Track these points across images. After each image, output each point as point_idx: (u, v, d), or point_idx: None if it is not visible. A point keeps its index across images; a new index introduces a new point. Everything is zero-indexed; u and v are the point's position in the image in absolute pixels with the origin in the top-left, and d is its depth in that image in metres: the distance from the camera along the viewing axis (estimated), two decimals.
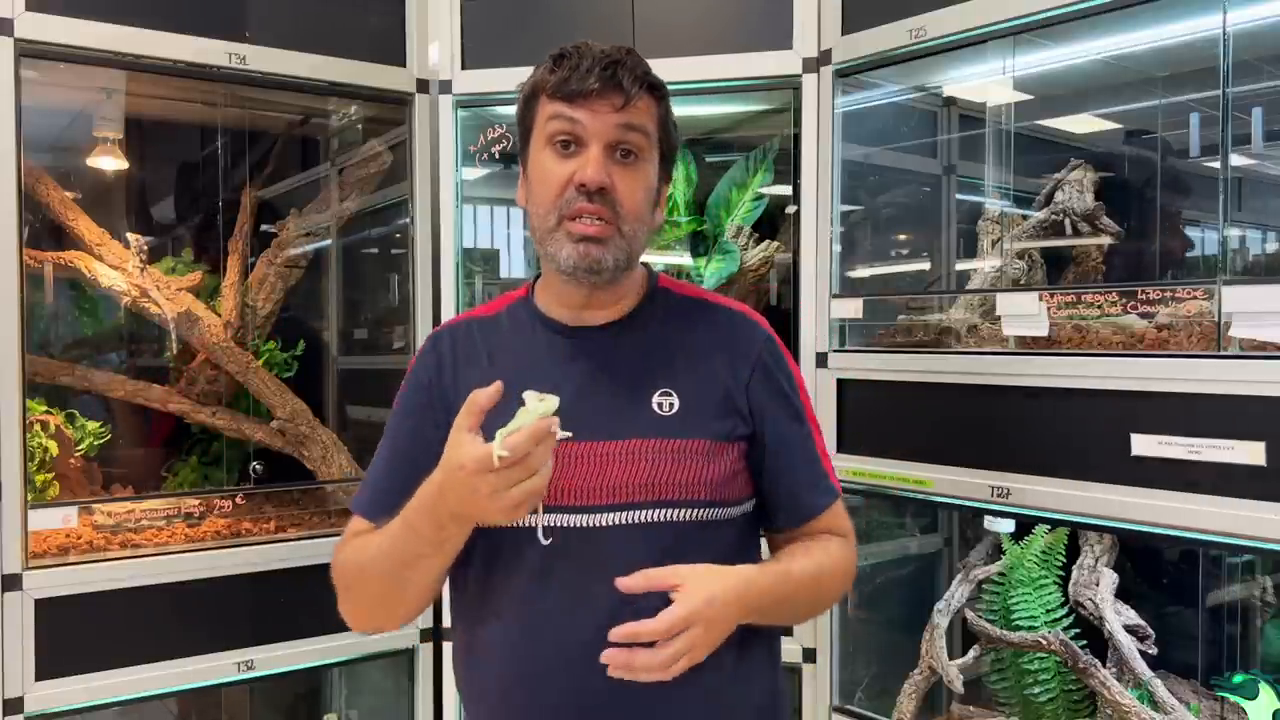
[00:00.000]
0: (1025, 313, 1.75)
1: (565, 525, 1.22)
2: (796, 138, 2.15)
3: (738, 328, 1.34)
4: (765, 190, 2.37)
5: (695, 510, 1.23)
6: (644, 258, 1.36)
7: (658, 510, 1.22)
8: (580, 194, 1.22)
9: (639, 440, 1.23)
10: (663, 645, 1.11)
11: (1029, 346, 1.77)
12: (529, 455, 1.05)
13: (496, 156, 2.41)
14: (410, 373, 1.38)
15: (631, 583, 1.12)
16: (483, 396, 1.09)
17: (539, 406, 1.07)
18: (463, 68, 2.37)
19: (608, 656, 1.11)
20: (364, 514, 1.33)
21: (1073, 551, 1.83)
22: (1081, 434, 1.64)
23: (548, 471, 1.08)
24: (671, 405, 1.26)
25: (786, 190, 2.29)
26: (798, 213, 2.16)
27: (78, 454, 2.28)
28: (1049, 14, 1.70)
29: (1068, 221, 1.92)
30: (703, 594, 1.12)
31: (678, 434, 1.24)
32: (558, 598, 1.22)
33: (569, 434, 1.11)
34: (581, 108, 1.22)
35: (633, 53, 1.26)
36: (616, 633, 1.09)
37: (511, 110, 2.40)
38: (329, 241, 2.76)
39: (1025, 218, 2.00)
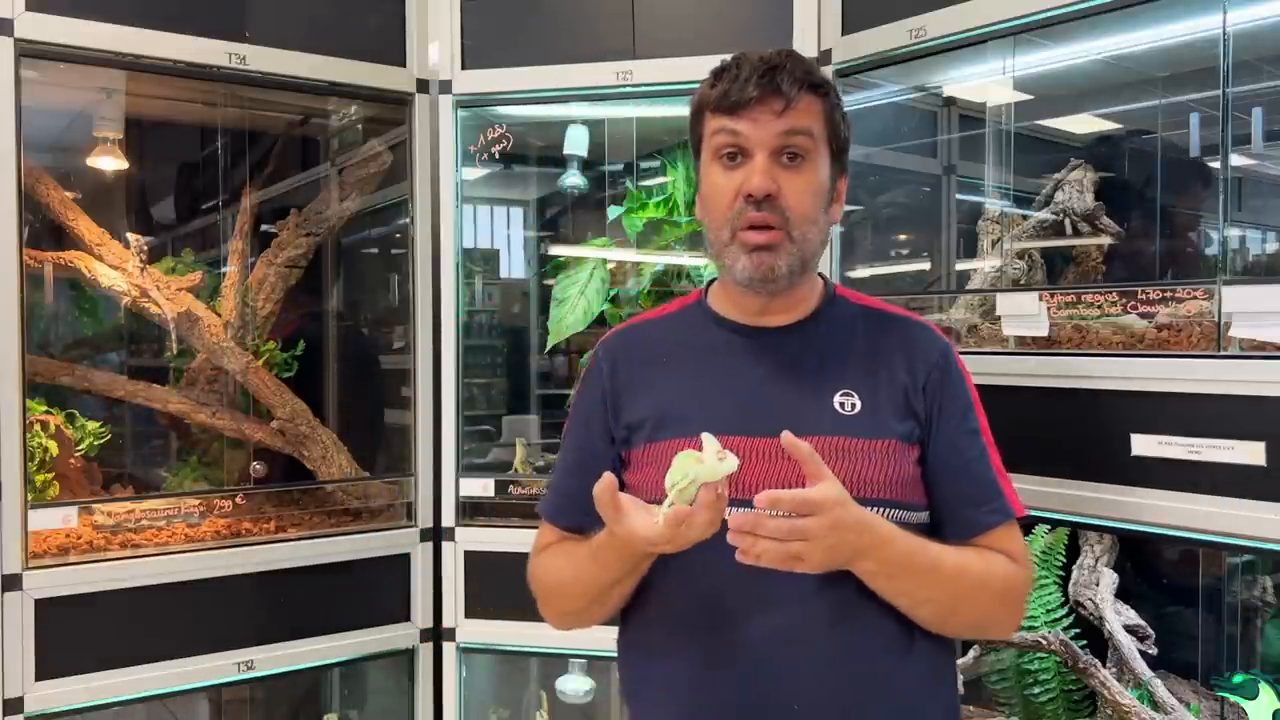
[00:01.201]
0: (1025, 313, 1.75)
1: None
2: None
3: (918, 333, 1.33)
4: None
5: (883, 509, 1.20)
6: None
7: None
8: (749, 204, 1.23)
9: (824, 438, 1.21)
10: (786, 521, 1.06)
11: (1029, 346, 1.77)
12: (694, 518, 1.07)
13: (496, 156, 2.41)
14: (582, 379, 1.41)
15: (795, 444, 1.08)
16: (602, 492, 1.10)
17: (718, 467, 1.05)
18: (463, 68, 2.37)
19: (734, 521, 1.05)
20: (550, 520, 1.37)
21: (1073, 551, 1.83)
22: (1081, 434, 1.64)
23: (720, 512, 1.09)
24: (854, 405, 1.25)
25: None
26: None
27: (78, 454, 2.28)
28: (1049, 14, 1.70)
29: (1068, 221, 1.92)
30: (837, 491, 1.08)
31: (862, 433, 1.23)
32: (739, 596, 1.21)
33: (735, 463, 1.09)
34: (743, 118, 1.22)
35: (793, 55, 1.25)
36: (761, 498, 1.04)
37: (512, 110, 2.44)
38: (329, 241, 2.76)
39: (1025, 218, 2.00)
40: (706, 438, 1.07)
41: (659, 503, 1.10)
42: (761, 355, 1.30)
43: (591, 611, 1.33)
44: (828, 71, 2.08)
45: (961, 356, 1.35)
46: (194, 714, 2.50)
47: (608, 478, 1.10)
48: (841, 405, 1.25)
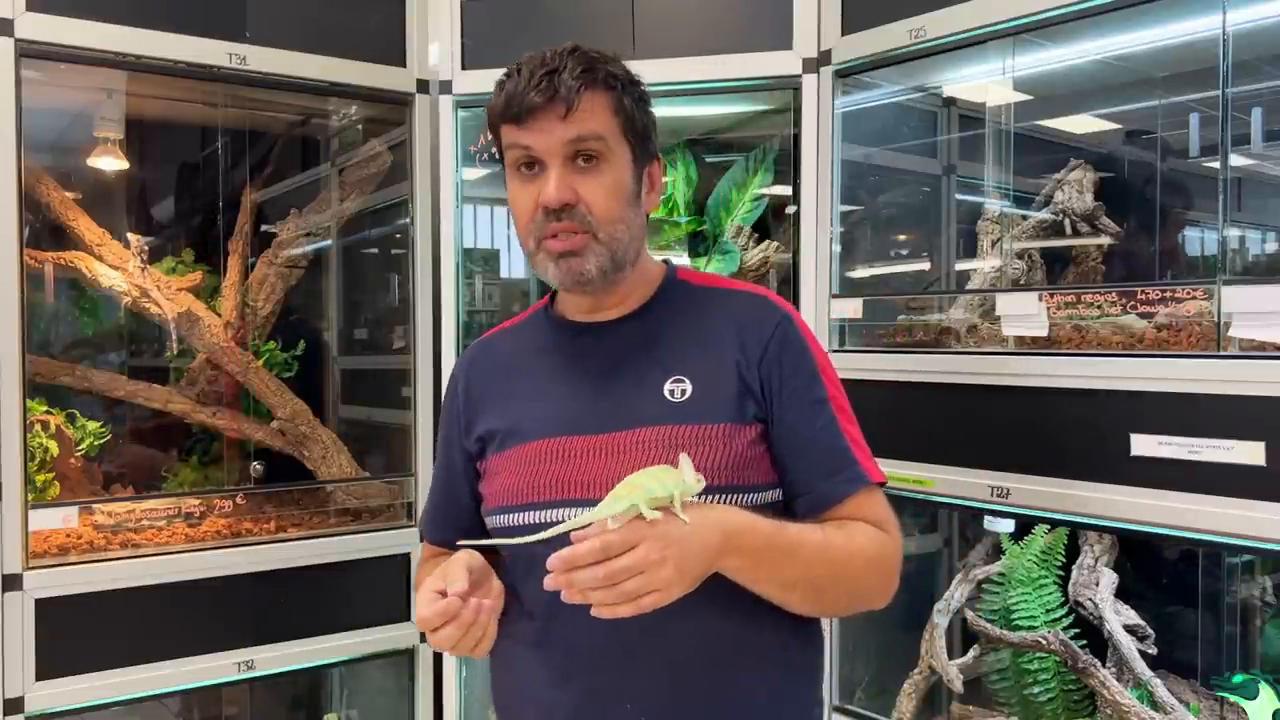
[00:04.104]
0: (1025, 313, 1.75)
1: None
2: (796, 138, 2.15)
3: (752, 307, 1.30)
4: (765, 190, 2.37)
5: (725, 496, 1.18)
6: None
7: None
8: (549, 216, 1.21)
9: (651, 428, 1.20)
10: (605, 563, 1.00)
11: (1029, 346, 1.77)
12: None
13: (497, 156, 2.40)
14: (444, 397, 1.45)
15: (568, 557, 1.01)
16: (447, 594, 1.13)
17: (695, 486, 1.06)
18: (463, 68, 2.37)
19: (551, 564, 1.00)
20: (425, 537, 1.41)
21: (1073, 551, 1.83)
22: (1081, 434, 1.64)
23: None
24: (684, 391, 1.23)
25: (787, 190, 2.30)
26: (798, 213, 2.16)
27: (78, 454, 2.28)
28: (1049, 14, 1.70)
29: (1067, 221, 1.92)
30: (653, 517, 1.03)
31: (691, 419, 1.21)
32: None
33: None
34: (529, 128, 1.20)
35: (577, 52, 1.22)
36: (553, 560, 1.00)
37: None
38: (329, 241, 2.76)
39: (1025, 218, 2.00)
40: (684, 458, 1.07)
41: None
42: (596, 352, 1.30)
43: None
44: (827, 72, 2.08)
45: (804, 322, 1.31)
46: (194, 714, 2.50)
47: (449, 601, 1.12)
48: (671, 393, 1.23)
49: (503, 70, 1.25)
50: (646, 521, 1.02)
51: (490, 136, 1.32)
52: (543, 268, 1.25)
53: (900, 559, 1.25)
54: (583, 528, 1.03)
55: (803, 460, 1.23)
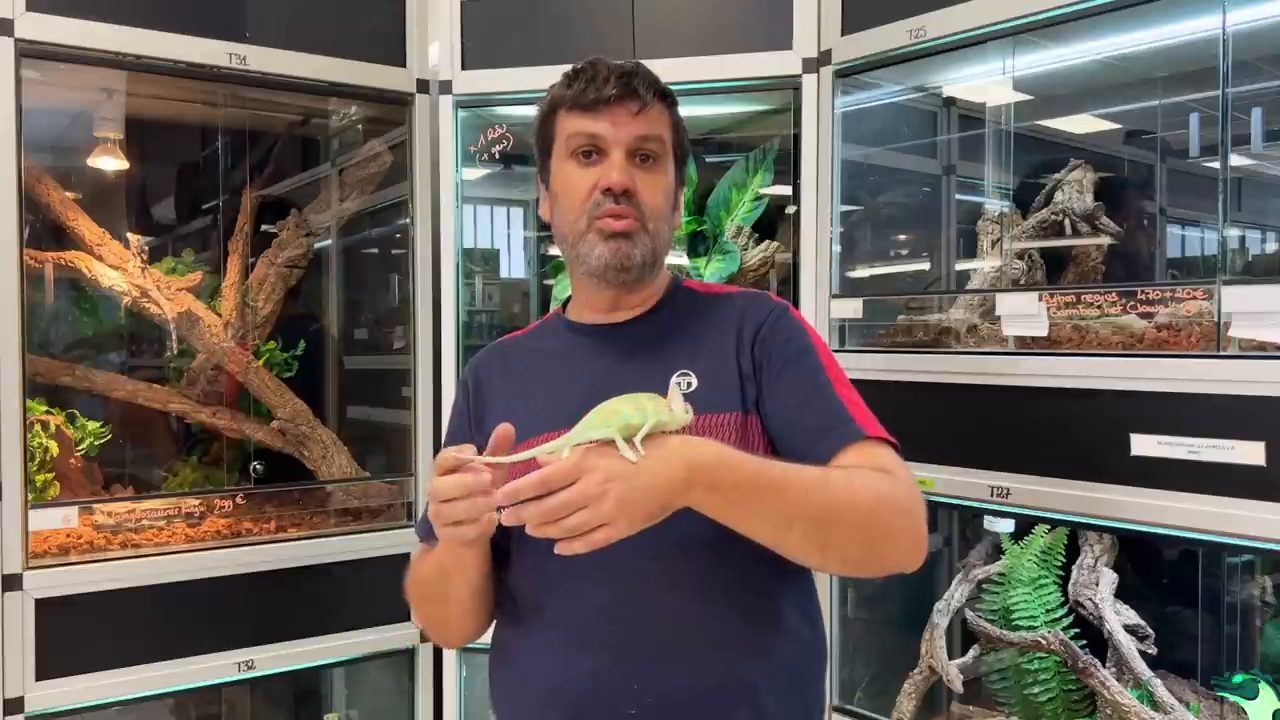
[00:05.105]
0: (1025, 313, 1.75)
1: None
2: (796, 138, 2.15)
3: (748, 303, 1.35)
4: (765, 190, 2.37)
5: None
6: None
7: None
8: (607, 197, 1.27)
9: None
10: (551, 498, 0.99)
11: (1029, 346, 1.77)
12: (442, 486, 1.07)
13: (496, 156, 2.41)
14: (454, 399, 1.47)
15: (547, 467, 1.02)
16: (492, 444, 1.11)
17: (683, 417, 1.06)
18: (463, 68, 2.37)
19: (496, 499, 1.02)
20: (421, 537, 1.40)
21: (1073, 551, 1.83)
22: (1081, 434, 1.64)
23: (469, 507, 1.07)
24: (690, 384, 1.28)
25: (786, 190, 2.30)
26: (798, 212, 2.16)
27: (78, 454, 2.28)
28: (1049, 14, 1.70)
29: (1067, 221, 1.92)
30: (594, 451, 1.02)
31: (700, 409, 1.21)
32: (579, 584, 1.21)
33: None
34: (601, 117, 1.28)
35: (642, 65, 1.32)
36: (498, 494, 1.01)
37: (512, 110, 2.44)
38: (329, 241, 2.76)
39: (1025, 217, 2.00)
40: (674, 386, 1.08)
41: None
42: (606, 348, 1.35)
43: (438, 615, 1.36)
44: (827, 72, 2.09)
45: (801, 314, 1.35)
46: (194, 714, 2.50)
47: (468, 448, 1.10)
48: (678, 385, 1.25)
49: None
50: (595, 452, 1.01)
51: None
52: (588, 248, 1.29)
53: (921, 506, 1.19)
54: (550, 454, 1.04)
55: (798, 428, 1.24)
